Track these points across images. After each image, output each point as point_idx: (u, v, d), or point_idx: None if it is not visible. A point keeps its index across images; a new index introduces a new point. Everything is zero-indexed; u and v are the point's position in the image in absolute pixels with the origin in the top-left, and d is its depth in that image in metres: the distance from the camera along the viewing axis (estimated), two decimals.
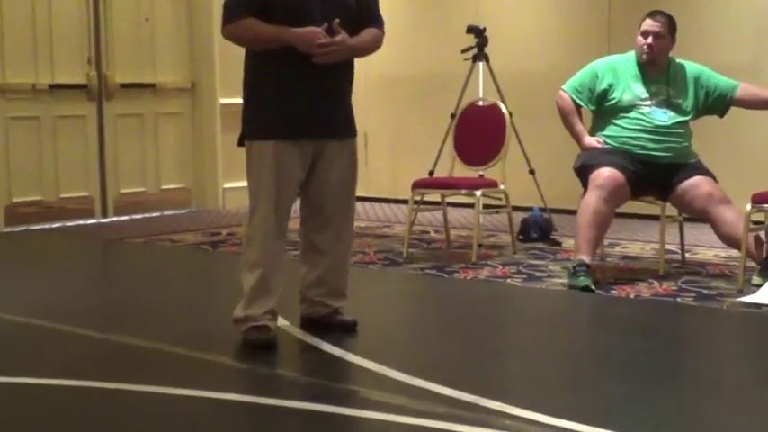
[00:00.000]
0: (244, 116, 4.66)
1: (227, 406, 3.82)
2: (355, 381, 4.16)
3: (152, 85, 9.33)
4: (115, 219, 9.00)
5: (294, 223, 4.80)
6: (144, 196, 9.34)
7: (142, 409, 3.81)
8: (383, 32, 4.76)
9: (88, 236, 8.31)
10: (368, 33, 4.66)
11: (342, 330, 4.74)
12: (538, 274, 6.23)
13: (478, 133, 7.15)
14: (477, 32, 7.96)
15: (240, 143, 4.67)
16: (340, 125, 4.68)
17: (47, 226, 8.57)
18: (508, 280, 6.08)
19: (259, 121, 4.57)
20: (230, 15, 4.55)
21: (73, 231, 8.49)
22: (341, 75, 4.64)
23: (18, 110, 8.47)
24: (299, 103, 4.53)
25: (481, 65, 7.96)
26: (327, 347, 4.52)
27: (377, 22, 4.74)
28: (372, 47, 4.72)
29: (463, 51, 8.00)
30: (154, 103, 9.37)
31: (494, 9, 9.05)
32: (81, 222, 8.79)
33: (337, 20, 4.47)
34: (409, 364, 4.22)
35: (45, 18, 8.62)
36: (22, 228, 8.42)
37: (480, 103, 7.40)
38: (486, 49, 7.96)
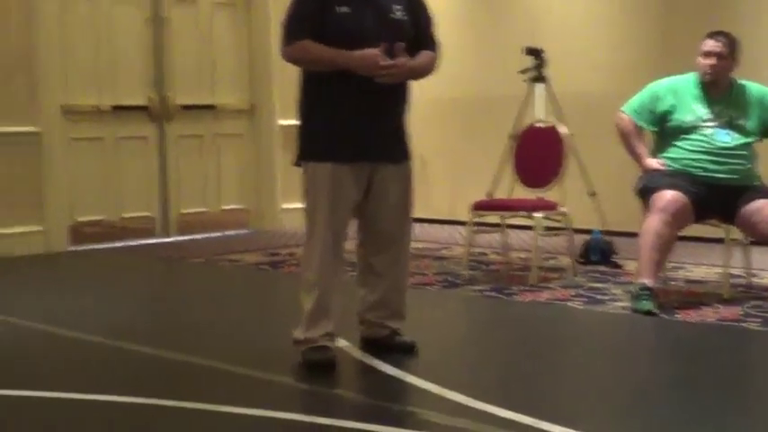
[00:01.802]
0: (300, 137, 4.67)
1: (285, 426, 3.83)
2: (414, 402, 4.14)
3: (212, 107, 9.41)
4: (176, 238, 9.08)
5: (352, 245, 4.81)
6: (204, 216, 9.41)
7: (202, 427, 3.83)
8: (438, 55, 4.77)
9: (150, 255, 8.38)
10: (424, 56, 4.68)
11: (401, 352, 4.73)
12: (599, 297, 6.17)
13: (538, 155, 7.12)
14: (536, 54, 7.95)
15: (296, 163, 4.69)
16: (396, 148, 4.69)
17: (110, 245, 8.66)
18: (568, 303, 6.03)
19: (316, 143, 4.58)
20: (289, 37, 4.58)
21: (135, 250, 8.57)
22: (397, 97, 4.65)
23: (82, 131, 8.59)
24: (355, 126, 4.54)
25: (540, 86, 7.94)
26: (386, 368, 4.51)
27: (432, 44, 4.75)
28: (429, 69, 4.73)
29: (521, 72, 7.98)
30: (214, 124, 9.45)
31: (552, 30, 9.03)
32: (143, 242, 8.88)
33: (401, 43, 4.48)
34: (468, 385, 4.20)
35: (108, 41, 8.75)
36: (85, 247, 8.51)
37: (539, 125, 7.37)
38: (545, 71, 7.93)
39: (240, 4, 9.51)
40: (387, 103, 4.58)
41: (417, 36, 4.67)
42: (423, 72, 4.70)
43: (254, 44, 9.46)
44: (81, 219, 8.61)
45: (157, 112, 9.03)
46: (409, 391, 4.28)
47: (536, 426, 3.68)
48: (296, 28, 4.55)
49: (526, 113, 7.86)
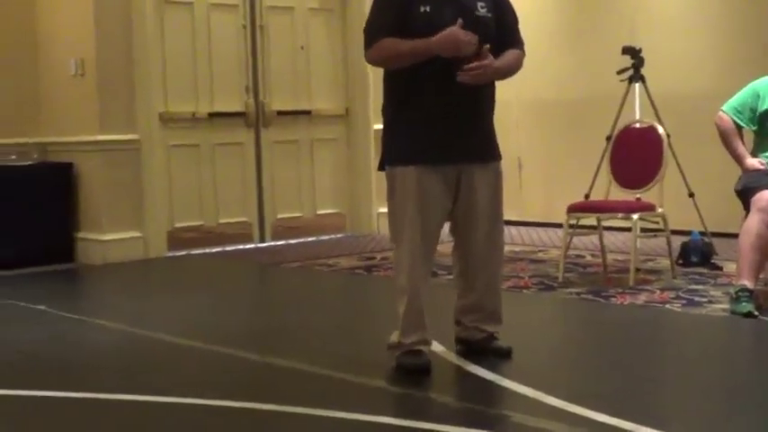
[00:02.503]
0: (384, 142, 4.66)
1: (380, 429, 3.82)
2: (510, 406, 4.12)
3: (308, 112, 9.48)
4: (272, 243, 9.16)
5: (447, 248, 4.80)
6: (300, 221, 9.48)
7: (297, 430, 3.85)
8: (524, 53, 4.72)
9: (246, 260, 8.47)
10: (510, 55, 4.62)
11: (496, 356, 4.70)
12: (698, 299, 6.07)
13: (635, 155, 7.03)
14: (633, 53, 7.85)
15: (381, 168, 4.68)
16: (483, 149, 4.64)
17: (207, 250, 8.77)
18: (667, 305, 5.94)
19: (401, 147, 4.56)
20: (369, 40, 4.56)
21: (231, 256, 8.67)
22: (483, 98, 4.60)
23: (179, 138, 8.72)
24: (440, 129, 4.51)
25: (637, 86, 7.84)
26: (482, 372, 4.49)
27: (517, 43, 4.69)
28: (515, 69, 4.68)
29: (619, 72, 7.89)
30: (309, 129, 9.52)
31: (649, 29, 8.91)
32: (239, 247, 8.97)
33: (487, 45, 4.44)
34: (565, 390, 4.16)
35: (205, 49, 8.87)
36: (183, 252, 8.63)
37: (637, 125, 7.28)
38: (643, 70, 7.83)
39: (336, 9, 9.56)
40: (471, 103, 4.52)
41: (502, 34, 4.61)
42: (508, 72, 4.65)
43: (350, 49, 9.49)
44: (179, 225, 8.73)
45: (253, 118, 9.12)
46: (505, 394, 4.25)
47: (634, 430, 3.63)
48: (376, 31, 4.54)
49: (623, 114, 7.77)
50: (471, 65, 4.39)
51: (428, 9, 4.46)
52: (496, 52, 4.54)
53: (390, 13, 4.51)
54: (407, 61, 4.49)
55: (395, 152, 4.58)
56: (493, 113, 4.71)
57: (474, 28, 4.46)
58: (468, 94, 4.47)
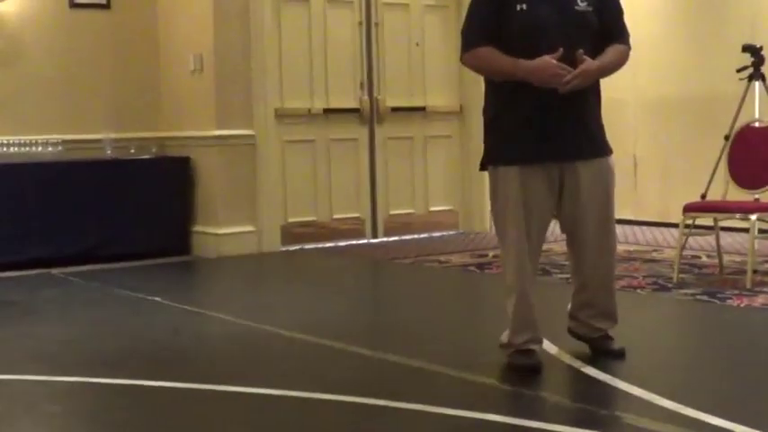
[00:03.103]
0: (486, 141, 4.63)
1: (490, 427, 3.82)
2: (622, 407, 4.07)
3: (422, 109, 9.50)
4: (384, 239, 9.20)
5: (561, 246, 4.77)
6: (413, 218, 9.51)
7: (409, 427, 3.87)
8: (629, 46, 4.62)
9: (359, 256, 8.52)
10: (613, 51, 4.53)
11: (610, 357, 4.65)
12: None
13: (754, 155, 6.89)
14: (754, 51, 7.69)
15: (483, 168, 4.65)
16: (586, 145, 4.55)
17: (319, 245, 8.85)
18: None
19: (503, 147, 4.53)
20: (467, 44, 4.55)
21: (344, 251, 8.73)
22: (586, 97, 4.51)
23: (294, 133, 8.81)
24: (541, 127, 4.45)
25: (757, 84, 7.68)
26: (594, 372, 4.45)
27: (622, 36, 4.60)
28: (619, 64, 4.58)
29: (739, 71, 7.74)
30: (423, 125, 9.54)
31: None
32: (352, 242, 9.03)
33: (581, 50, 4.36)
34: (679, 392, 4.10)
35: (320, 46, 8.95)
36: (296, 246, 8.72)
37: (756, 125, 7.13)
38: (763, 69, 7.67)
39: (451, 5, 9.57)
40: (573, 100, 4.43)
41: (605, 28, 4.53)
42: (612, 69, 4.55)
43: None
44: (292, 219, 8.83)
45: (368, 115, 9.17)
46: (618, 396, 4.21)
47: None
48: (474, 34, 4.51)
49: (743, 113, 7.62)
50: (568, 77, 4.32)
51: (524, 7, 4.41)
52: (599, 47, 4.48)
53: (487, 14, 4.47)
54: (502, 78, 4.47)
55: (497, 152, 4.56)
56: (599, 109, 4.62)
57: (573, 24, 4.42)
58: (571, 94, 4.38)
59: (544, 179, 4.50)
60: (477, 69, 4.63)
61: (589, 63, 4.38)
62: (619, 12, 4.63)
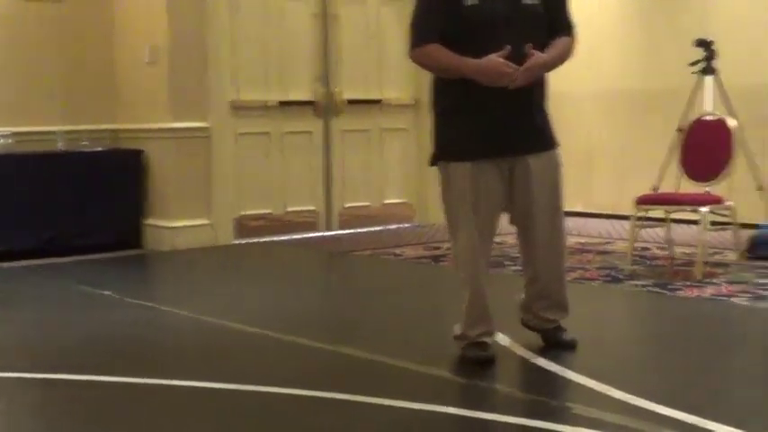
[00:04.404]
0: (436, 137, 4.64)
1: (444, 419, 3.84)
2: (573, 398, 4.11)
3: (378, 102, 9.51)
4: (339, 232, 9.20)
5: (514, 238, 4.80)
6: (368, 210, 9.51)
7: (363, 419, 3.88)
8: (574, 38, 4.64)
9: (313, 249, 8.52)
10: (559, 44, 4.56)
11: (561, 349, 4.69)
12: (765, 293, 6.01)
13: (705, 148, 6.97)
14: (706, 45, 7.77)
15: (433, 163, 4.66)
16: (535, 139, 4.59)
17: (274, 238, 8.84)
18: (734, 299, 5.89)
19: (454, 143, 4.55)
20: (415, 40, 4.55)
21: (299, 244, 8.72)
22: (532, 90, 4.52)
23: (249, 126, 8.79)
24: (492, 122, 4.47)
25: (709, 78, 7.76)
26: (545, 364, 4.49)
27: (567, 28, 4.63)
28: (565, 57, 4.60)
29: (691, 65, 7.81)
30: (379, 118, 9.55)
31: (722, 21, 8.80)
32: (306, 235, 9.02)
33: (529, 44, 4.38)
34: (630, 383, 4.14)
35: (276, 38, 8.93)
36: (250, 240, 8.70)
37: (708, 118, 7.21)
38: (715, 63, 7.75)
39: None
40: (523, 96, 4.45)
41: (551, 20, 4.55)
42: (559, 62, 4.57)
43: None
44: (247, 212, 8.81)
45: (324, 107, 9.16)
46: (569, 386, 4.25)
47: (701, 425, 3.61)
48: (422, 30, 4.52)
49: (694, 106, 7.69)
50: (516, 75, 4.33)
51: (475, 2, 4.42)
52: (547, 39, 4.50)
53: (436, 9, 4.48)
54: (450, 76, 4.48)
55: (446, 148, 4.57)
56: (545, 102, 4.65)
57: (522, 18, 4.44)
58: (518, 88, 4.40)
59: (495, 173, 4.52)
60: (425, 66, 4.63)
61: (537, 57, 4.40)
62: (563, 4, 4.66)
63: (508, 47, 4.33)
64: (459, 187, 4.51)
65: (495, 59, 4.33)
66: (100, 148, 8.44)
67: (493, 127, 4.48)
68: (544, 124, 4.64)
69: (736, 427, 3.57)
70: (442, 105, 4.60)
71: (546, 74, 4.59)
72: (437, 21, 4.47)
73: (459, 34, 4.43)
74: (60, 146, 8.30)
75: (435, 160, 4.64)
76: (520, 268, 4.94)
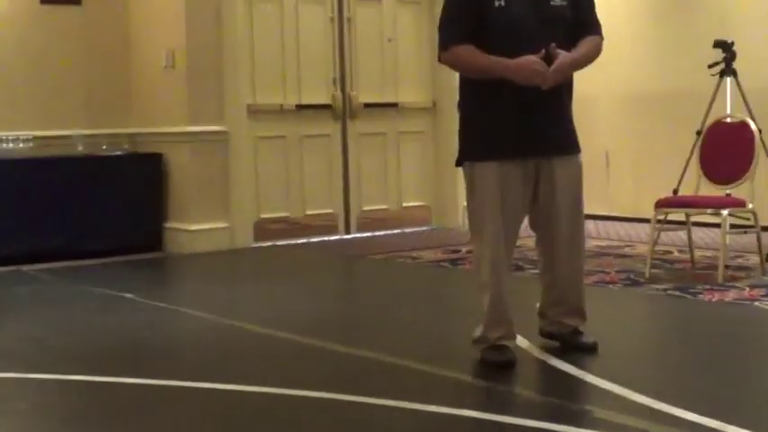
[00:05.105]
0: (462, 137, 4.64)
1: (464, 423, 3.83)
2: (594, 402, 4.08)
3: (394, 105, 9.49)
4: (357, 235, 9.19)
5: (533, 241, 4.79)
6: (386, 213, 9.50)
7: (382, 422, 3.87)
8: (602, 38, 4.65)
9: (331, 252, 8.51)
10: (587, 43, 4.56)
11: (582, 351, 4.67)
12: None
13: (726, 151, 6.92)
14: (725, 47, 7.71)
15: (459, 164, 4.66)
16: (562, 142, 4.60)
17: (292, 241, 8.83)
18: (756, 303, 5.85)
19: (480, 143, 4.53)
20: (445, 42, 4.55)
21: (317, 247, 8.72)
22: (561, 91, 4.54)
23: (266, 129, 8.79)
24: (519, 123, 4.47)
25: (729, 80, 7.71)
26: (566, 367, 4.46)
27: (594, 28, 4.63)
28: (593, 56, 4.61)
29: (710, 66, 7.77)
30: (396, 121, 9.53)
31: (742, 22, 8.76)
32: (325, 238, 9.02)
33: (554, 44, 4.39)
34: (651, 386, 4.12)
35: (293, 42, 8.93)
36: (269, 243, 8.70)
37: (728, 120, 7.17)
38: (735, 64, 7.70)
39: (423, 1, 9.57)
40: (548, 96, 4.45)
41: (578, 20, 4.56)
42: (587, 61, 4.58)
43: (437, 41, 9.46)
44: (265, 216, 8.81)
45: (340, 111, 9.16)
46: (589, 390, 4.22)
47: (721, 429, 3.58)
48: (452, 32, 4.51)
49: (715, 108, 7.65)
50: (549, 75, 4.34)
51: (503, 3, 4.42)
52: (573, 40, 4.50)
53: (466, 11, 4.47)
54: (482, 77, 4.47)
55: (474, 148, 4.56)
56: (571, 105, 4.66)
57: (550, 19, 4.44)
58: (550, 86, 4.41)
59: (521, 175, 4.51)
60: (457, 68, 4.62)
61: (564, 56, 4.40)
62: (591, 4, 4.67)
63: (543, 50, 4.35)
64: (484, 188, 4.50)
65: (531, 59, 4.34)
66: (119, 152, 8.47)
67: (519, 129, 4.48)
68: (571, 128, 4.64)
69: (756, 431, 3.54)
70: (469, 106, 4.60)
71: (571, 77, 4.59)
72: (467, 22, 4.47)
73: (487, 35, 4.43)
74: (80, 149, 8.32)
75: (461, 161, 4.62)
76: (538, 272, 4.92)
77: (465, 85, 4.63)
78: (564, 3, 4.51)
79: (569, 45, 4.47)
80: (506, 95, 4.44)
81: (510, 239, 4.56)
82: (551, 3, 4.48)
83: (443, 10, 4.61)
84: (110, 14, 8.67)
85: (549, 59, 4.38)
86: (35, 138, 8.19)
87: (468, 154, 4.59)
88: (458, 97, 4.71)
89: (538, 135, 4.50)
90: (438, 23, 4.63)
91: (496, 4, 4.42)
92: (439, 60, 4.66)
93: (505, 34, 4.41)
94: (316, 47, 9.06)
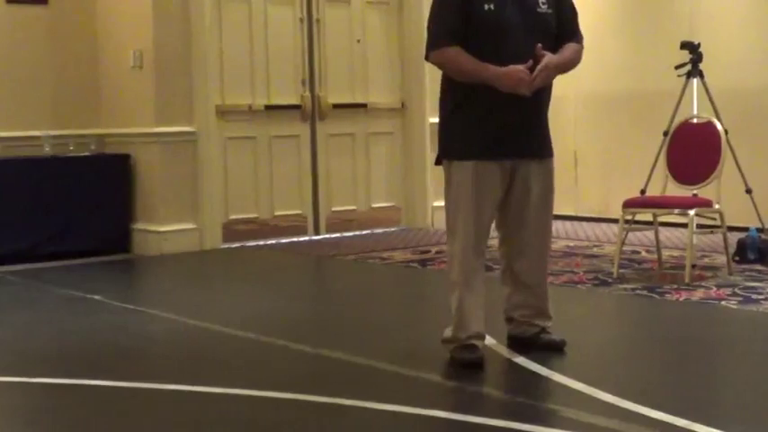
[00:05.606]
0: (442, 136, 4.67)
1: (433, 423, 3.83)
2: (562, 401, 4.09)
3: (363, 106, 9.49)
4: (327, 236, 9.19)
5: (493, 242, 4.80)
6: (355, 214, 9.50)
7: (352, 423, 3.87)
8: (582, 46, 4.72)
9: (301, 253, 8.50)
10: (569, 49, 4.62)
11: (550, 350, 4.69)
12: (755, 296, 6.00)
13: (692, 151, 6.97)
14: (692, 48, 7.76)
15: (438, 162, 4.69)
16: (539, 145, 4.65)
17: (261, 242, 8.82)
18: (723, 302, 5.89)
19: (459, 142, 4.56)
20: (434, 43, 4.57)
21: (286, 248, 8.70)
22: (541, 94, 4.58)
23: (235, 130, 8.77)
24: (498, 124, 4.51)
25: (695, 81, 7.76)
26: (534, 367, 4.48)
27: (576, 36, 4.69)
28: (574, 63, 4.67)
29: (677, 68, 7.81)
30: (365, 122, 9.53)
31: (708, 24, 8.82)
32: (294, 239, 9.01)
33: (539, 45, 4.43)
34: (618, 386, 4.15)
35: (261, 42, 8.91)
36: (238, 244, 8.68)
37: (694, 121, 7.21)
38: (701, 65, 7.75)
39: (392, 2, 9.56)
40: (530, 100, 4.50)
41: (561, 28, 4.62)
42: (570, 66, 4.65)
43: (406, 43, 9.49)
44: (234, 216, 8.79)
45: (309, 111, 9.14)
46: (558, 390, 4.24)
47: (689, 428, 3.60)
48: (441, 32, 4.54)
49: (681, 109, 7.69)
50: (532, 79, 4.38)
51: (492, 7, 4.46)
52: (555, 46, 4.55)
53: (455, 12, 4.50)
54: (468, 80, 4.49)
55: (453, 146, 4.59)
56: (548, 110, 4.70)
57: (535, 25, 4.49)
58: (536, 88, 4.45)
59: (497, 175, 4.55)
60: (444, 68, 4.63)
61: (550, 58, 4.45)
62: (574, 13, 4.74)
63: (530, 60, 4.39)
64: (459, 186, 4.54)
65: (517, 67, 4.38)
66: (87, 153, 8.42)
67: (499, 129, 4.51)
68: (546, 131, 4.70)
69: (724, 429, 3.57)
70: (450, 105, 4.63)
71: (552, 85, 4.63)
72: (456, 24, 4.49)
73: (474, 38, 4.47)
74: (47, 150, 8.27)
75: (440, 159, 4.65)
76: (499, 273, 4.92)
77: (446, 84, 4.65)
78: (550, 11, 4.57)
79: (552, 53, 4.51)
80: (486, 96, 4.46)
81: (482, 239, 4.58)
82: (538, 9, 4.54)
83: (432, 10, 4.63)
84: (77, 14, 8.62)
85: (534, 62, 4.42)
86: (1, 138, 8.13)
87: (447, 152, 4.62)
88: (428, 98, 4.73)
89: (516, 137, 4.54)
90: (426, 23, 4.65)
91: (486, 7, 4.46)
92: (426, 59, 4.67)
93: (492, 38, 4.45)
94: (285, 48, 9.04)
